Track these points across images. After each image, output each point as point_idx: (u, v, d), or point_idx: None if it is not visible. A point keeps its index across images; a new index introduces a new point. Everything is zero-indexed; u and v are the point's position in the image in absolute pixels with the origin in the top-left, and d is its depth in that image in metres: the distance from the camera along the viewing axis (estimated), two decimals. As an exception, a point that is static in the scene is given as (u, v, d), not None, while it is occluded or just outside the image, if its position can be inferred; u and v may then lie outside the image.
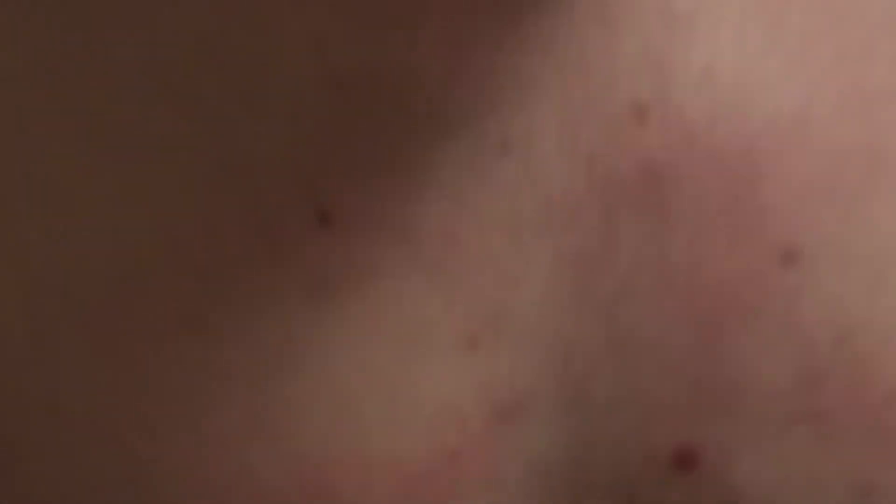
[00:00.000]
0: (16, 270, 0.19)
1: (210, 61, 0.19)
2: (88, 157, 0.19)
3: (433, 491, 0.21)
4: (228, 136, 0.19)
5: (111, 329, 0.19)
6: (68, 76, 0.20)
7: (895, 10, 0.20)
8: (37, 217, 0.19)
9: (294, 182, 0.18)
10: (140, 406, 0.20)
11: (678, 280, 0.18)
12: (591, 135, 0.18)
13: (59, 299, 0.19)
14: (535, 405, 0.19)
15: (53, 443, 0.21)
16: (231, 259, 0.19)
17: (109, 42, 0.20)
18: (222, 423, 0.20)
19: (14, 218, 0.20)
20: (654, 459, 0.19)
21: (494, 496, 0.20)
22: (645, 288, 0.18)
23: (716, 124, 0.18)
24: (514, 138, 0.18)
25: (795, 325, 0.18)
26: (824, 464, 0.20)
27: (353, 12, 0.18)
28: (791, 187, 0.18)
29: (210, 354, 0.19)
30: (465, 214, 0.18)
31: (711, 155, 0.18)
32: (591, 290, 0.18)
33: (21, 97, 0.20)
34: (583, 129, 0.18)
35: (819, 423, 0.19)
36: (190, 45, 0.19)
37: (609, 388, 0.19)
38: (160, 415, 0.20)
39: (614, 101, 0.18)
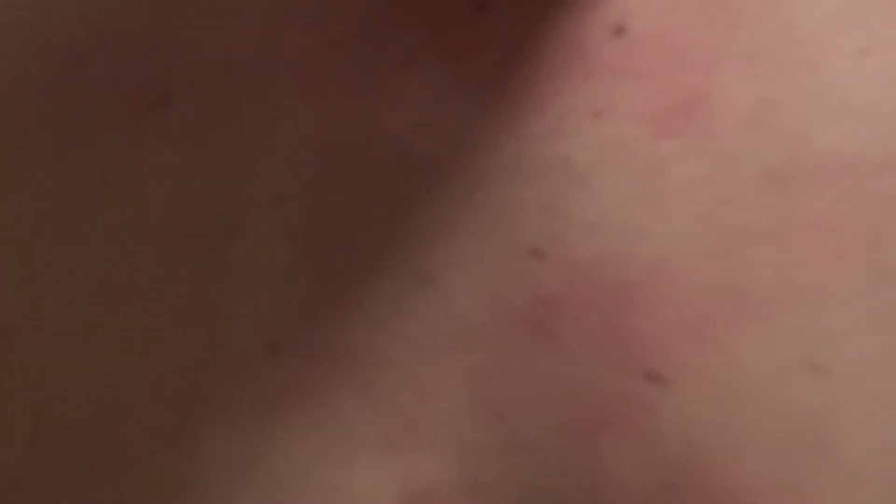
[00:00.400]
0: (23, 400, 0.24)
1: (191, 224, 0.25)
2: (90, 306, 0.25)
3: None
4: (201, 286, 0.23)
5: (103, 450, 0.23)
6: (75, 239, 0.25)
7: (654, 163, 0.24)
8: (45, 356, 0.24)
9: (250, 320, 0.23)
10: None
11: (565, 394, 0.22)
12: (496, 270, 0.22)
13: (60, 426, 0.24)
14: (440, 494, 0.22)
15: None
16: (198, 388, 0.23)
17: (112, 213, 0.25)
18: None
19: (26, 356, 0.24)
20: None
21: None
22: (537, 400, 0.22)
23: (600, 266, 0.22)
24: (435, 272, 0.22)
25: (656, 439, 0.21)
26: None
27: (306, 170, 0.23)
28: (658, 320, 0.22)
29: (183, 466, 0.23)
30: (392, 340, 0.22)
31: (594, 291, 0.22)
32: (491, 401, 0.22)
33: (38, 252, 0.25)
34: (490, 264, 0.22)
35: None
36: (175, 214, 0.25)
37: (501, 483, 0.22)
38: None
39: (517, 242, 0.22)
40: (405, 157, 0.24)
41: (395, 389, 0.22)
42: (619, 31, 0.26)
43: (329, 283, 0.23)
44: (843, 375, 0.23)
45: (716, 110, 0.25)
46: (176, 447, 0.23)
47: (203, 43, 0.26)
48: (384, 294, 0.23)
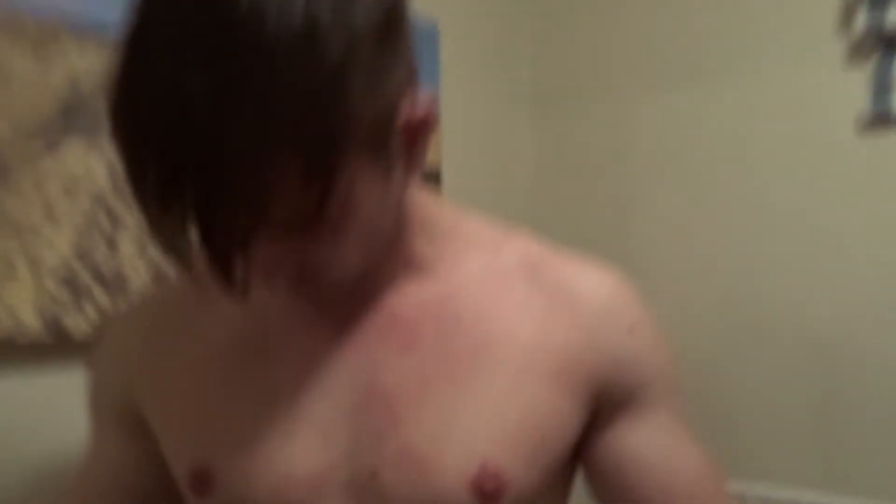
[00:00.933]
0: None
1: (254, 339, 0.65)
2: (201, 378, 0.67)
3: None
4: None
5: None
6: (189, 331, 0.68)
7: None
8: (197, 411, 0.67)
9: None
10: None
11: None
12: None
13: None
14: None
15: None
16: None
17: (211, 322, 0.67)
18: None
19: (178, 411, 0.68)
20: None
21: None
22: None
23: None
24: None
25: None
26: None
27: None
28: None
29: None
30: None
31: None
32: None
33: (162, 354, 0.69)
34: None
35: None
36: (252, 320, 0.65)
37: None
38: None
39: None
40: None
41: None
42: None
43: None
44: None
45: None
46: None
47: None
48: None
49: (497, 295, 0.66)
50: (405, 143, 0.56)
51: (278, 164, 0.47)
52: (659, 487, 0.66)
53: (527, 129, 1.66)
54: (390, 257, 0.64)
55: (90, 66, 0.88)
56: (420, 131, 0.56)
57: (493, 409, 0.62)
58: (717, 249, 1.42)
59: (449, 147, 1.43)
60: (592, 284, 0.68)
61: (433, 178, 1.37)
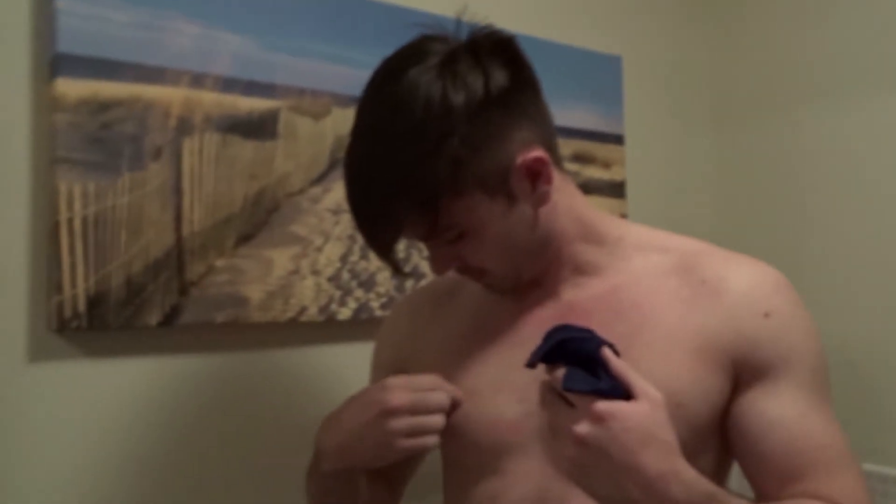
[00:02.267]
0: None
1: (477, 323, 0.88)
2: (441, 351, 0.92)
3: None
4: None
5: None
6: (440, 318, 0.96)
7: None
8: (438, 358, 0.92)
9: None
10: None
11: None
12: None
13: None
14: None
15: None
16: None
17: (451, 311, 0.95)
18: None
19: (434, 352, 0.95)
20: None
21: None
22: None
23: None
24: None
25: None
26: None
27: None
28: None
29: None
30: None
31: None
32: None
33: (420, 333, 0.96)
34: None
35: None
36: (478, 312, 0.91)
37: None
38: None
39: None
40: None
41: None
42: None
43: None
44: None
45: None
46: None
47: None
48: None
49: (653, 288, 0.83)
50: (527, 179, 0.79)
51: (400, 204, 0.75)
52: (782, 447, 0.76)
53: (707, 143, 1.75)
54: (562, 265, 0.85)
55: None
56: (537, 172, 0.79)
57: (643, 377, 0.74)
58: (886, 266, 1.42)
59: (632, 163, 1.58)
60: (735, 276, 0.81)
61: (618, 189, 1.57)
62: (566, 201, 0.85)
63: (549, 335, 0.73)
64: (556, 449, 0.77)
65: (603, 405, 0.67)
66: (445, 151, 0.73)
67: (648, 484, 0.66)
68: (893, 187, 1.43)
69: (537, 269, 0.86)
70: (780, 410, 0.77)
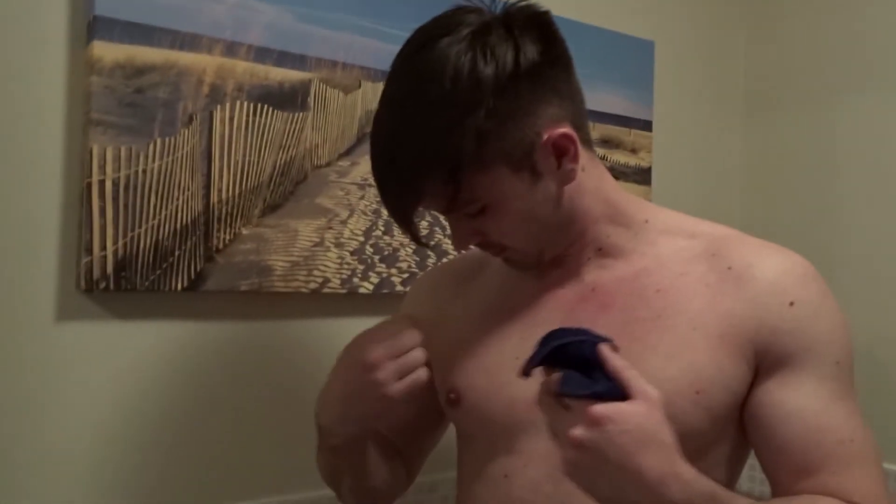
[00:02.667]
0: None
1: (499, 301, 0.91)
2: (460, 328, 0.92)
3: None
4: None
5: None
6: (461, 296, 0.95)
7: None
8: (455, 333, 0.93)
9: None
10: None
11: None
12: None
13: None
14: None
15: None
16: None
17: (473, 290, 0.95)
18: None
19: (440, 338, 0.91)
20: None
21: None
22: None
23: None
24: None
25: None
26: None
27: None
28: None
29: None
30: None
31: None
32: None
33: (441, 309, 0.96)
34: None
35: None
36: (500, 292, 0.91)
37: None
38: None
39: None
40: None
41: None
42: None
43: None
44: None
45: None
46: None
47: None
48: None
49: (678, 273, 0.81)
50: (553, 155, 0.78)
51: (422, 173, 0.75)
52: (798, 439, 0.75)
53: (738, 131, 1.73)
54: (586, 245, 0.84)
55: (379, 101, 1.23)
56: (563, 148, 0.78)
57: (662, 363, 0.76)
58: None
59: (660, 149, 1.57)
60: (762, 264, 0.79)
61: (644, 175, 1.57)
62: (594, 182, 0.84)
63: (545, 341, 0.73)
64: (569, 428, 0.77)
65: (599, 408, 0.67)
66: (471, 124, 0.72)
67: (648, 486, 0.66)
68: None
69: (560, 248, 0.85)
70: (799, 401, 0.76)
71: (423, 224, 1.26)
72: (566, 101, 0.80)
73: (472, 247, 0.86)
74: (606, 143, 1.49)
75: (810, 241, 1.50)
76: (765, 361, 0.77)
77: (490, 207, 0.79)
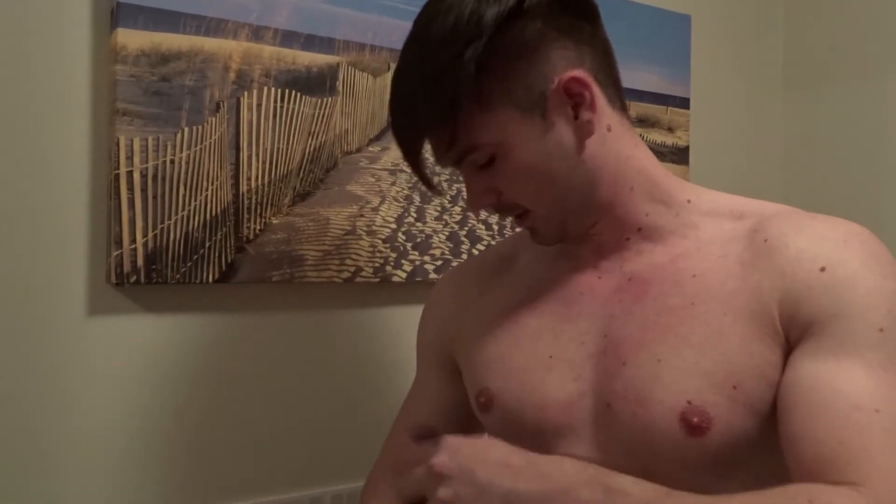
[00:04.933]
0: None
1: (531, 295, 0.85)
2: (490, 327, 0.86)
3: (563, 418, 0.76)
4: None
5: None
6: (488, 293, 0.85)
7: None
8: (478, 331, 0.88)
9: None
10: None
11: None
12: None
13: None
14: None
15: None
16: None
17: (501, 285, 0.88)
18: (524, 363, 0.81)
19: (470, 336, 0.89)
20: None
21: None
22: None
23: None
24: None
25: None
26: None
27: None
28: None
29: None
30: None
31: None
32: None
33: (467, 309, 0.91)
34: None
35: None
36: (530, 285, 0.86)
37: None
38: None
39: None
40: None
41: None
42: None
43: None
44: None
45: None
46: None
47: None
48: None
49: (717, 255, 0.74)
50: (568, 102, 0.74)
51: (421, 106, 0.74)
52: (807, 406, 0.65)
53: (777, 108, 1.68)
54: (624, 224, 0.78)
55: (409, 83, 1.20)
56: (577, 94, 0.73)
57: (697, 356, 0.70)
58: None
59: (697, 126, 1.52)
60: (799, 232, 0.72)
61: (681, 154, 1.52)
62: (626, 148, 0.79)
63: None
64: (607, 432, 0.74)
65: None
66: (470, 56, 0.70)
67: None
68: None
69: (589, 221, 0.79)
70: (815, 366, 0.66)
71: (457, 210, 1.23)
72: (584, 48, 0.75)
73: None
74: (643, 122, 1.44)
75: (854, 218, 1.46)
76: (791, 334, 0.68)
77: (500, 156, 0.74)
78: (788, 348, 0.69)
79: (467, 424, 0.93)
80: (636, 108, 1.42)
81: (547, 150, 0.74)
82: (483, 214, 1.24)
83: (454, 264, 1.21)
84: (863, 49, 1.54)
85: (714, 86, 1.58)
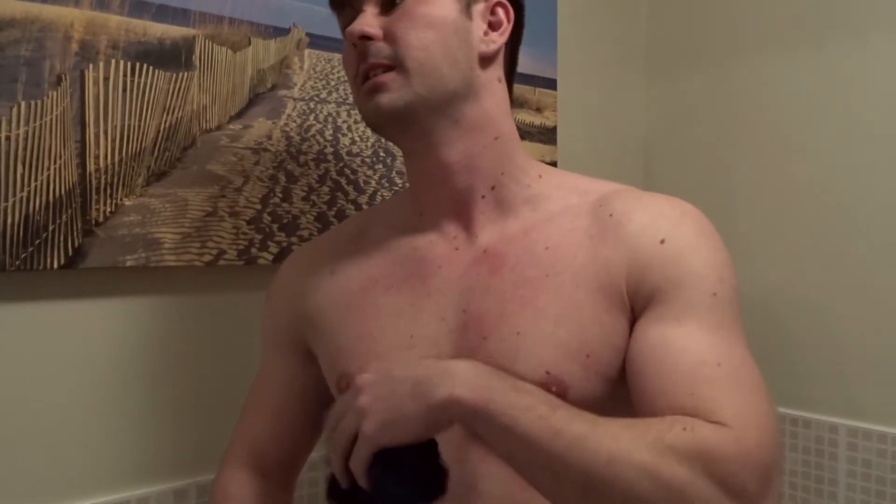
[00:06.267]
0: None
1: (385, 271, 0.83)
2: (345, 307, 0.86)
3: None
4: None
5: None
6: (340, 272, 0.88)
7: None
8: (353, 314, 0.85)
9: None
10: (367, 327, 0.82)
11: None
12: None
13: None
14: None
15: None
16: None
17: (353, 263, 0.85)
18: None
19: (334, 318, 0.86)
20: None
21: None
22: None
23: None
24: None
25: None
26: None
27: None
28: None
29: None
30: None
31: None
32: None
33: (318, 290, 0.90)
34: None
35: None
36: (383, 261, 0.85)
37: None
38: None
39: None
40: None
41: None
42: None
43: None
44: None
45: None
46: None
47: None
48: None
49: (567, 228, 0.77)
50: (488, 18, 0.81)
51: None
52: (657, 363, 0.69)
53: (641, 89, 1.73)
54: (481, 176, 0.80)
55: (271, 62, 1.15)
56: (497, 20, 0.82)
57: (553, 327, 0.73)
58: (813, 215, 1.43)
59: (564, 106, 1.55)
60: (641, 209, 0.76)
61: (549, 134, 1.55)
62: (504, 106, 0.84)
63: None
64: None
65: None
66: None
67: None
68: (818, 141, 1.44)
69: (442, 131, 0.79)
70: (663, 331, 0.70)
71: (325, 190, 1.20)
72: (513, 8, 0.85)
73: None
74: (512, 102, 1.46)
75: (711, 198, 1.53)
76: (637, 303, 0.73)
77: (409, 3, 0.77)
78: (633, 317, 0.73)
79: (322, 408, 0.91)
80: (505, 87, 1.43)
81: (455, 26, 0.78)
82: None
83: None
84: (717, 33, 1.60)
85: (580, 67, 1.61)
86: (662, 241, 0.74)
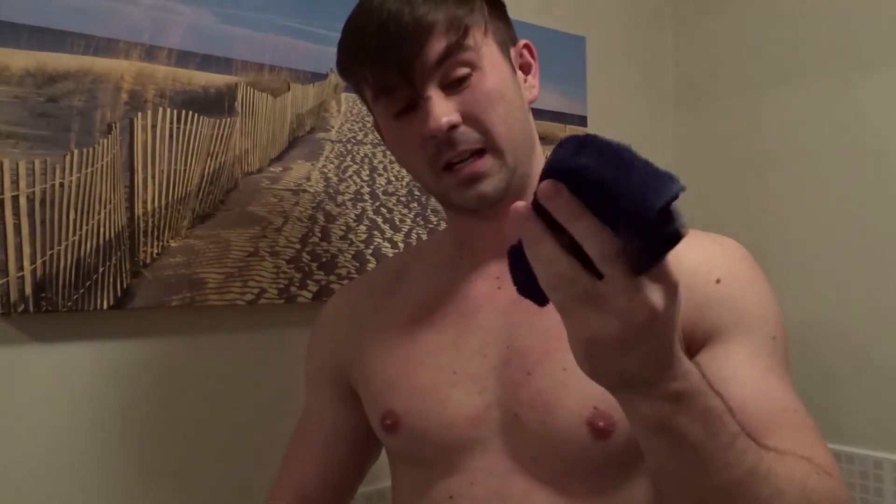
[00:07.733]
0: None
1: (427, 309, 0.80)
2: (387, 345, 0.85)
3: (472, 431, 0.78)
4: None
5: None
6: (382, 310, 0.86)
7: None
8: (376, 345, 0.87)
9: None
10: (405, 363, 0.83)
11: None
12: None
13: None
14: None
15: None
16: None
17: (395, 301, 0.84)
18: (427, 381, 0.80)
19: (369, 353, 0.87)
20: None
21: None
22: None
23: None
24: None
25: None
26: None
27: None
28: None
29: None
30: None
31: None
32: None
33: (361, 329, 0.91)
34: None
35: None
36: (425, 299, 0.81)
37: None
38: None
39: None
40: None
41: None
42: None
43: None
44: None
45: None
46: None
47: None
48: None
49: None
50: (527, 58, 0.85)
51: (439, 7, 0.74)
52: (739, 402, 0.63)
53: (670, 125, 1.74)
54: None
55: (310, 106, 1.19)
56: (531, 56, 0.85)
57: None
58: (848, 247, 1.43)
59: (595, 143, 1.59)
60: (686, 247, 0.71)
61: (581, 171, 1.56)
62: (537, 144, 0.86)
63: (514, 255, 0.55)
64: (515, 441, 0.75)
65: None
66: None
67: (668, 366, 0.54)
68: (852, 172, 1.44)
69: (524, 175, 0.80)
70: (735, 368, 0.69)
71: (362, 229, 1.23)
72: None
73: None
74: (543, 139, 1.46)
75: (741, 231, 1.50)
76: (694, 341, 0.72)
77: (474, 80, 0.75)
78: (688, 354, 0.68)
79: (366, 447, 0.93)
80: (536, 126, 1.46)
81: (514, 88, 0.80)
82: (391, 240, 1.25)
83: (360, 283, 1.20)
84: (744, 67, 1.62)
85: (609, 103, 1.63)
86: (718, 281, 0.74)
